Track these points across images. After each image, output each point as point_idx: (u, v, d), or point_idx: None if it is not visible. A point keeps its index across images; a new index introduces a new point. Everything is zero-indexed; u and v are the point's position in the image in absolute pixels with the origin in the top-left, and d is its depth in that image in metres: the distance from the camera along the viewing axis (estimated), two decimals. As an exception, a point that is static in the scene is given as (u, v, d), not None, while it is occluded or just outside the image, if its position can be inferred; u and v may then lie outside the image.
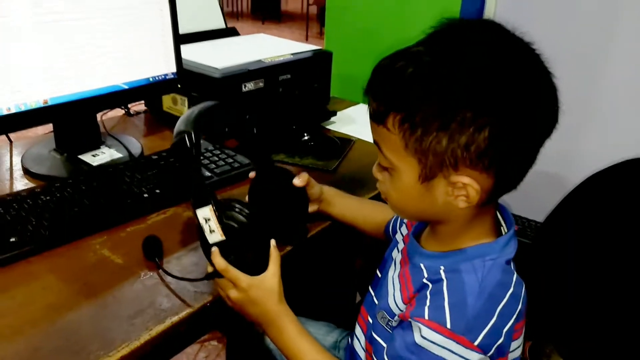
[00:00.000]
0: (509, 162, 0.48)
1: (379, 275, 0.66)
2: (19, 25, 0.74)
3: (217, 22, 1.28)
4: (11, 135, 0.94)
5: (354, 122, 1.17)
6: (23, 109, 0.77)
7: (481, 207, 0.51)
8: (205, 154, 0.90)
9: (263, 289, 0.58)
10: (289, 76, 1.09)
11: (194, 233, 0.72)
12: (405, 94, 0.47)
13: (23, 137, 0.96)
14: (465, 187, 0.48)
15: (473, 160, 0.46)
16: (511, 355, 0.53)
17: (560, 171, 1.36)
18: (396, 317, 0.56)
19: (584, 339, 0.80)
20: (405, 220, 0.69)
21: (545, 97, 0.48)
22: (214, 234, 0.57)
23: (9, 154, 0.92)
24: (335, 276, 0.63)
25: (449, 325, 0.47)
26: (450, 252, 0.54)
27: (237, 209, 0.57)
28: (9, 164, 0.89)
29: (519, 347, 0.55)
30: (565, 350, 0.86)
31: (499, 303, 0.49)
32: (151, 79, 0.94)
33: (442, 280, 0.51)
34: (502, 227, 0.56)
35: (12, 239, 0.64)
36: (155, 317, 0.57)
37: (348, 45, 1.50)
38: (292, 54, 1.11)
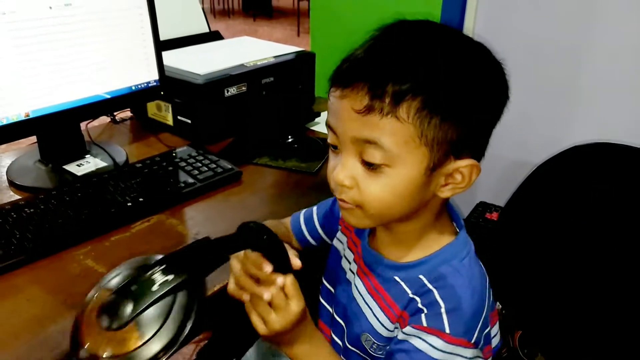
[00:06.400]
0: (486, 141, 0.49)
1: (331, 289, 0.64)
2: (-4, 40, 0.74)
3: (200, 26, 1.29)
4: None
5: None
6: (5, 122, 0.78)
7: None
8: (187, 160, 0.91)
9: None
10: (272, 79, 1.09)
11: (177, 240, 0.74)
12: (426, 76, 0.42)
13: (8, 148, 0.97)
14: (461, 172, 0.47)
15: (476, 144, 0.47)
16: (493, 342, 0.56)
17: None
18: (387, 342, 0.55)
19: (548, 320, 0.84)
20: (339, 226, 0.65)
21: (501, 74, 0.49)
22: None
23: (-6, 166, 0.93)
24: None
25: (447, 331, 0.48)
26: (423, 260, 0.53)
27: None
28: (-6, 177, 0.90)
29: (497, 333, 0.57)
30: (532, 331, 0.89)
31: (485, 296, 0.52)
32: (134, 88, 0.95)
33: (430, 290, 0.51)
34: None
35: (-3, 253, 0.65)
36: (138, 325, 0.58)
37: (334, 44, 1.50)
38: (275, 57, 1.12)
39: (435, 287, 0.51)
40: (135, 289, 0.38)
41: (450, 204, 0.56)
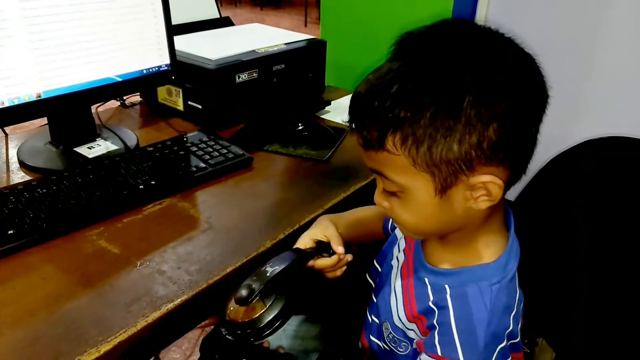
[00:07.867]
0: (520, 149, 0.47)
1: (379, 268, 0.66)
2: (9, 19, 0.74)
3: (211, 11, 1.28)
4: (7, 127, 0.95)
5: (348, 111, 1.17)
6: (17, 102, 0.78)
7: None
8: (199, 145, 0.91)
9: None
10: (282, 66, 1.09)
11: (189, 223, 0.74)
12: (398, 110, 0.43)
13: (19, 128, 0.97)
14: (485, 185, 0.46)
15: (488, 157, 0.44)
16: None
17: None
18: (401, 337, 0.56)
19: (552, 313, 0.84)
20: None
21: (533, 74, 0.47)
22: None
23: (4, 147, 0.93)
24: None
25: None
26: (455, 270, 0.53)
27: None
28: (5, 157, 0.90)
29: None
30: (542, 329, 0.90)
31: (507, 328, 0.51)
32: (145, 71, 0.95)
33: (447, 308, 0.50)
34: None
35: (11, 232, 0.66)
36: (152, 304, 0.58)
37: (344, 33, 1.49)
38: (286, 44, 1.12)
39: (453, 306, 0.50)
40: (254, 281, 0.55)
41: (511, 216, 0.54)
